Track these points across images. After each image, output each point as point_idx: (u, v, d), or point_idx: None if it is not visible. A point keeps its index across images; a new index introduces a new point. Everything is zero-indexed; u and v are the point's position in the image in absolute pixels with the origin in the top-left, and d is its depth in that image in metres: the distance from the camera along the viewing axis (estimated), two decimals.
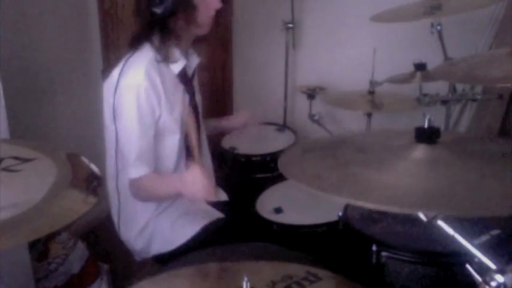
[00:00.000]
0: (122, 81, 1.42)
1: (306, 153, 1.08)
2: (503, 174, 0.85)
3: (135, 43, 1.47)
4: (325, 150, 1.06)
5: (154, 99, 1.43)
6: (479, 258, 0.81)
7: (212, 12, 1.47)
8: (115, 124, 1.45)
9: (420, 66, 1.95)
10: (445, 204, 0.78)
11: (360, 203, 0.79)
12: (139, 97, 1.40)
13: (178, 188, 1.44)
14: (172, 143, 1.52)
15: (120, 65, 1.45)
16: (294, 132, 2.42)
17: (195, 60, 1.59)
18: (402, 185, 0.85)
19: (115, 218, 1.61)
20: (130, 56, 1.45)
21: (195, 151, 1.52)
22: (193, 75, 1.60)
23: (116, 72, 1.45)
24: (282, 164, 1.01)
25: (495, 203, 0.77)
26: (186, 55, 1.54)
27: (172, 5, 1.39)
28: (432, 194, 0.81)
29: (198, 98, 1.66)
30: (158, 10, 1.40)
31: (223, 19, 1.56)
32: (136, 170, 1.45)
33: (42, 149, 0.96)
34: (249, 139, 2.29)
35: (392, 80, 2.06)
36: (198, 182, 1.36)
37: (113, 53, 2.50)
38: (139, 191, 1.49)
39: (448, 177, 0.87)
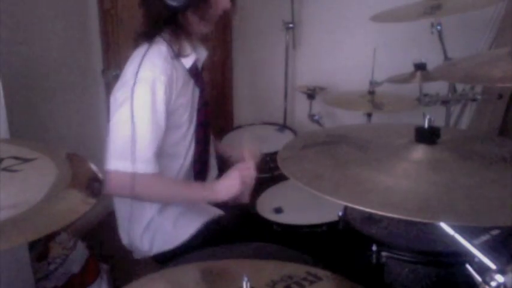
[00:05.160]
0: (137, 77, 1.38)
1: (306, 149, 1.07)
2: (505, 181, 0.85)
3: (146, 37, 1.44)
4: (325, 146, 1.06)
5: (171, 94, 1.41)
6: (479, 258, 0.81)
7: (220, 12, 1.47)
8: (132, 119, 1.39)
9: (420, 66, 1.95)
10: (445, 212, 0.78)
11: (358, 207, 0.79)
12: (156, 91, 1.38)
13: (206, 196, 1.48)
14: (182, 135, 1.51)
15: (136, 60, 1.42)
16: (294, 132, 2.42)
17: (203, 54, 1.59)
18: (401, 188, 0.85)
19: (118, 219, 1.62)
20: (146, 53, 1.42)
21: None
22: (202, 68, 1.61)
23: (130, 67, 1.42)
24: (281, 159, 1.01)
25: (496, 213, 0.76)
26: (195, 49, 1.54)
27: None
28: (432, 201, 0.81)
29: (206, 92, 1.65)
30: (172, 3, 1.38)
31: (227, 20, 1.56)
32: (147, 166, 1.40)
33: (42, 149, 0.96)
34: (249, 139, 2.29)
35: (393, 80, 2.06)
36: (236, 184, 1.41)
37: (113, 53, 2.50)
38: (144, 188, 1.42)
39: (448, 182, 0.86)
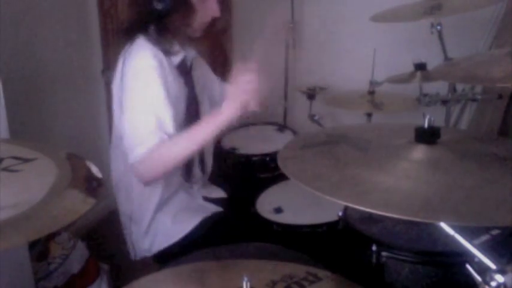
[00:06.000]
0: (129, 67, 1.40)
1: (306, 149, 1.08)
2: (504, 181, 0.85)
3: (130, 34, 1.46)
4: (325, 146, 1.06)
5: (164, 78, 1.41)
6: (479, 258, 0.81)
7: (208, 19, 1.48)
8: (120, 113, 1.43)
9: (420, 66, 1.95)
10: (444, 212, 0.78)
11: (358, 207, 0.79)
12: (151, 75, 1.38)
13: (217, 121, 1.36)
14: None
15: (122, 56, 1.45)
16: (294, 132, 2.42)
17: (191, 53, 1.59)
18: (401, 188, 0.85)
19: (122, 219, 1.62)
20: (129, 47, 1.44)
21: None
22: (190, 67, 1.60)
23: (119, 65, 1.45)
24: (282, 159, 1.01)
25: (496, 213, 0.76)
26: (184, 47, 1.54)
27: (172, 3, 1.39)
28: (431, 201, 0.81)
29: (199, 90, 1.64)
30: (158, 6, 1.39)
31: (219, 27, 1.56)
32: (150, 140, 1.35)
33: (42, 149, 0.96)
34: (249, 139, 2.29)
35: (392, 80, 2.06)
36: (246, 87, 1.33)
37: (113, 53, 2.49)
38: (158, 160, 1.37)
39: (447, 182, 0.86)
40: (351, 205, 0.81)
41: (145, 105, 1.39)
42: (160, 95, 1.39)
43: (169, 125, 1.38)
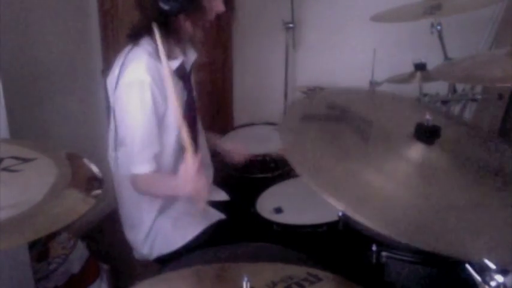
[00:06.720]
0: (123, 77, 1.40)
1: (306, 121, 1.06)
2: (490, 202, 0.86)
3: (134, 36, 1.45)
4: (326, 124, 1.06)
5: (158, 94, 1.40)
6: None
7: (213, 16, 1.47)
8: (115, 122, 1.45)
9: (420, 66, 1.95)
10: (434, 240, 0.79)
11: (355, 214, 0.80)
12: (143, 93, 1.38)
13: (175, 190, 1.43)
14: (171, 139, 1.51)
15: (120, 60, 1.44)
16: None
17: (192, 56, 1.58)
18: (397, 202, 0.86)
19: (122, 223, 1.62)
20: (130, 51, 1.44)
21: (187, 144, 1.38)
22: (190, 71, 1.60)
23: (116, 68, 1.44)
24: (283, 132, 1.01)
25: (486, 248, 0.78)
26: (184, 51, 1.53)
27: (181, 3, 1.38)
28: (423, 225, 0.82)
29: (195, 95, 1.64)
30: (165, 7, 1.38)
31: (225, 24, 1.54)
32: (142, 166, 1.42)
33: (42, 149, 0.96)
34: (249, 139, 2.29)
35: (392, 80, 2.06)
36: (191, 179, 1.33)
37: (113, 53, 2.48)
38: (141, 187, 1.47)
39: (439, 199, 0.88)
40: (348, 211, 0.81)
41: (138, 125, 1.42)
42: (151, 114, 1.40)
43: (157, 145, 1.44)
